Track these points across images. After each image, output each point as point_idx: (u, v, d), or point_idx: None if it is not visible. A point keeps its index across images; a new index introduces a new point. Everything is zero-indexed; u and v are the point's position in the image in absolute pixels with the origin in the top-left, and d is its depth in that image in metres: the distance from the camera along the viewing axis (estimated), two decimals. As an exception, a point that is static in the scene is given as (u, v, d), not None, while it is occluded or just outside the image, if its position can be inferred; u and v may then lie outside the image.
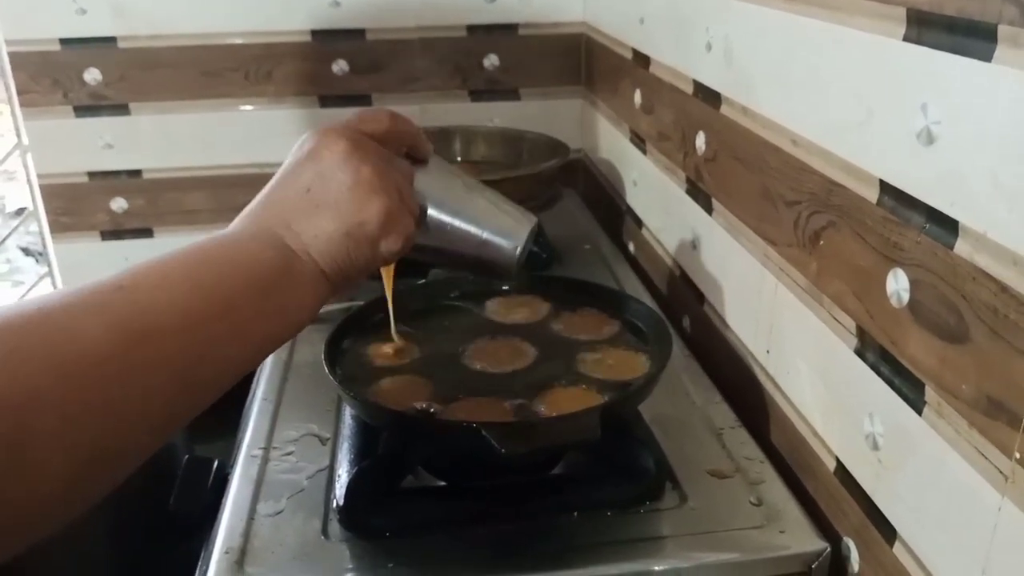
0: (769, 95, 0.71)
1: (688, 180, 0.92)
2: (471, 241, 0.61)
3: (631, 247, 1.18)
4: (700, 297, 0.91)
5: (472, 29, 1.36)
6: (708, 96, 0.85)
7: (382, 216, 0.52)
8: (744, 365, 0.79)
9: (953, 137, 0.47)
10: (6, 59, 1.30)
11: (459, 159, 1.26)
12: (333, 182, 0.51)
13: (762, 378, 0.76)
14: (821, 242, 0.63)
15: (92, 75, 1.32)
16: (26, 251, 2.73)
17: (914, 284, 0.52)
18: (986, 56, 0.44)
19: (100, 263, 1.42)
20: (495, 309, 0.82)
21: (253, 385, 0.90)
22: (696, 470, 0.67)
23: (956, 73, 0.47)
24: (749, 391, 0.78)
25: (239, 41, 1.33)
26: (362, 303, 0.81)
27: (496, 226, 0.61)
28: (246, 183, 1.40)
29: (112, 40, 1.30)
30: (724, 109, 0.81)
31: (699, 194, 0.89)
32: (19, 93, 1.32)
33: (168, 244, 1.47)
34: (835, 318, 0.62)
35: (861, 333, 0.58)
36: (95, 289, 0.41)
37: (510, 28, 1.36)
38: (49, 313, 0.38)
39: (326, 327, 0.81)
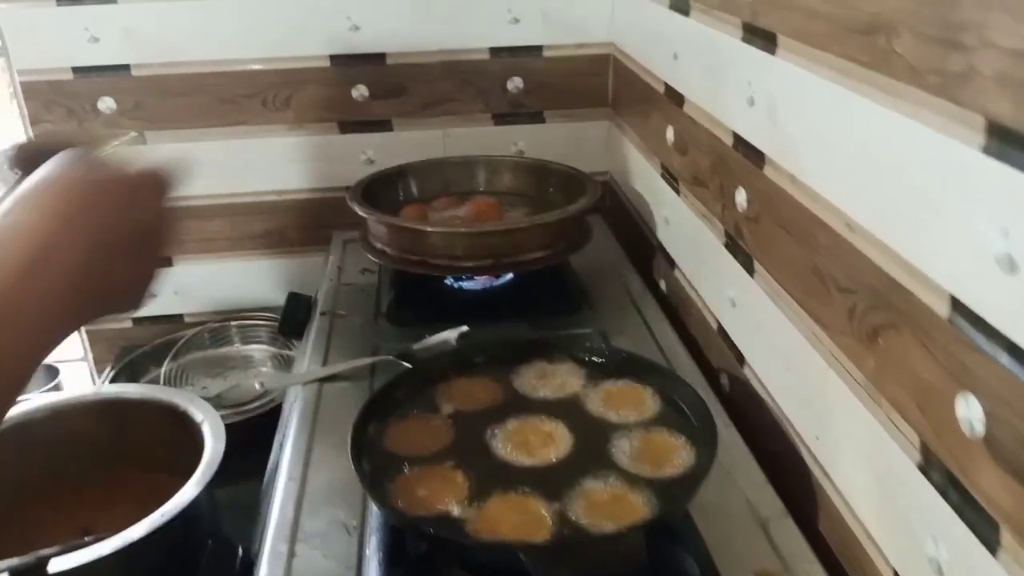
0: (819, 168, 0.67)
1: (727, 234, 0.88)
2: None
3: (662, 285, 1.14)
4: (740, 357, 0.87)
5: (495, 51, 1.31)
6: (749, 152, 0.80)
7: None
8: (790, 444, 0.76)
9: (1040, 270, 0.43)
10: (19, 88, 1.27)
11: (482, 190, 1.22)
12: None
13: (810, 462, 0.72)
14: (880, 341, 0.59)
15: (106, 103, 1.29)
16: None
17: (990, 417, 0.48)
18: (1084, 194, 0.40)
19: (118, 292, 1.39)
20: (525, 379, 0.79)
21: (275, 456, 0.88)
22: (743, 571, 0.64)
23: (1046, 202, 0.42)
24: (795, 474, 0.74)
25: (256, 67, 1.29)
26: (387, 380, 0.78)
27: None
28: (265, 210, 1.37)
29: (126, 68, 1.27)
30: (768, 171, 0.76)
31: (739, 251, 0.85)
32: (32, 123, 1.29)
33: (187, 272, 1.46)
34: (896, 425, 0.58)
35: (926, 450, 0.54)
36: None
37: (534, 50, 1.32)
38: None
39: (352, 404, 0.78)
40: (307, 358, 0.99)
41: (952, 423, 0.51)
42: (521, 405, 0.75)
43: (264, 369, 1.39)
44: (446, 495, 0.64)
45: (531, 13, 1.29)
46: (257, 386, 0.94)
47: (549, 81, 1.34)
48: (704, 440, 0.67)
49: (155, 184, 0.53)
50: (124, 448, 1.00)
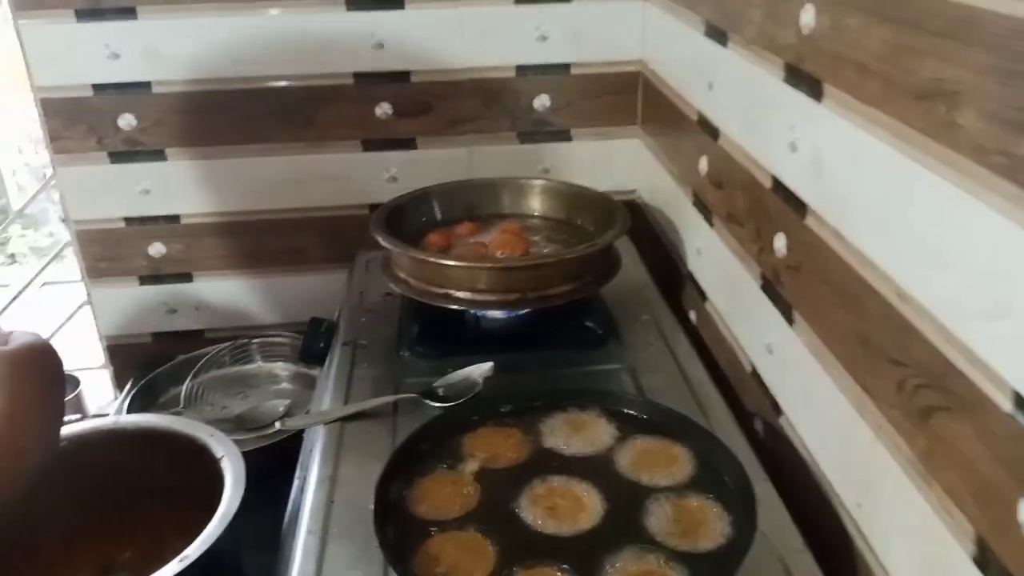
0: (868, 230, 0.64)
1: (764, 278, 0.85)
2: None
3: (692, 316, 1.11)
4: (775, 405, 0.84)
5: (522, 69, 1.28)
6: (790, 199, 0.77)
7: None
8: (829, 507, 0.73)
9: (1121, 384, 0.40)
10: (39, 105, 1.26)
11: (507, 212, 1.18)
12: None
13: (851, 530, 0.69)
14: (932, 422, 0.56)
15: (127, 120, 1.27)
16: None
17: (1058, 529, 0.45)
18: None
19: (139, 308, 1.39)
20: (552, 431, 0.76)
21: (296, 499, 0.86)
22: (781, 652, 0.61)
23: None
24: (835, 538, 0.71)
25: (279, 84, 1.26)
26: (411, 431, 0.76)
27: None
28: (286, 228, 1.35)
29: (147, 85, 1.25)
30: (810, 222, 0.73)
31: (777, 299, 0.82)
32: (52, 140, 1.27)
33: (207, 288, 1.45)
34: (949, 513, 0.55)
35: (983, 545, 0.51)
36: None
37: (562, 68, 1.28)
38: None
39: (375, 444, 0.75)
40: (329, 393, 0.96)
41: (1014, 526, 0.48)
42: (550, 462, 0.73)
43: (286, 386, 1.37)
44: (472, 569, 0.62)
45: (560, 31, 1.25)
46: (278, 424, 0.92)
47: (577, 99, 1.30)
48: (743, 512, 0.64)
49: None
50: (142, 479, 0.98)
